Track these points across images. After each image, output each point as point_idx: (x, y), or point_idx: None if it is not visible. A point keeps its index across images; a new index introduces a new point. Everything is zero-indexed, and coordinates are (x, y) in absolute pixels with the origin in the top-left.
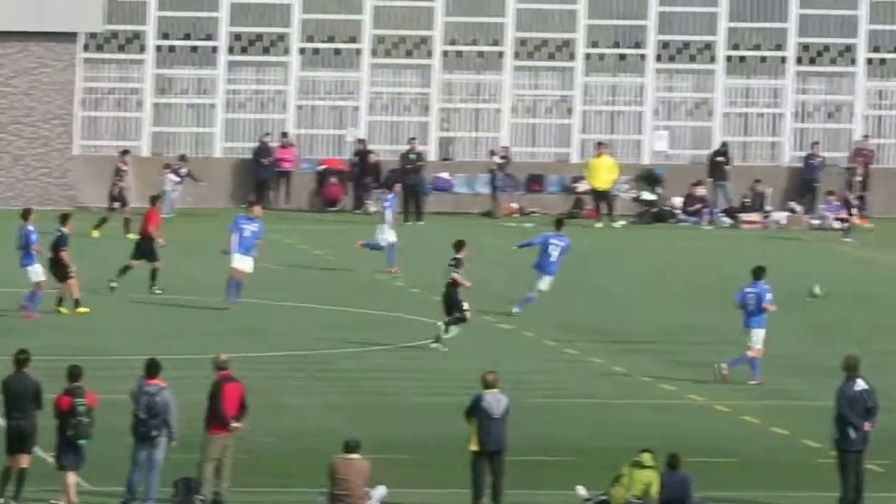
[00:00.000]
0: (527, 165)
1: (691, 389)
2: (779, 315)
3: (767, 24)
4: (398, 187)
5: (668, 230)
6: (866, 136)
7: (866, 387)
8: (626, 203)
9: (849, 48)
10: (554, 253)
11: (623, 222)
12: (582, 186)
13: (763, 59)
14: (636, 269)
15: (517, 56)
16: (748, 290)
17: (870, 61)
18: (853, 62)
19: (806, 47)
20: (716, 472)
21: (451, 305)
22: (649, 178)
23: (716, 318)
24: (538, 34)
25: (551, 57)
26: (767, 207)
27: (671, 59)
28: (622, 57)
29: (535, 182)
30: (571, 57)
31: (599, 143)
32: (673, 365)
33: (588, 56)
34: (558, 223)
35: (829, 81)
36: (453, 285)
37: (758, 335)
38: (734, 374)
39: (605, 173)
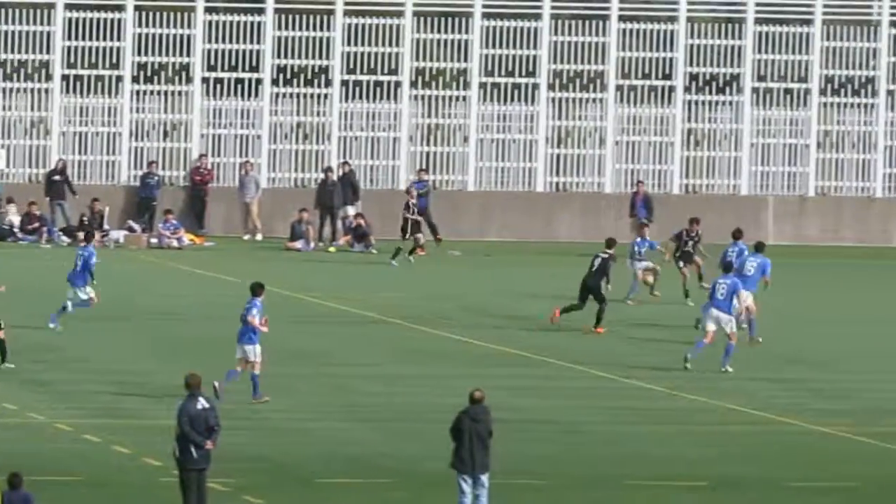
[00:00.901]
0: None
1: (30, 408)
2: (119, 332)
3: (100, 43)
4: None
5: (7, 249)
6: (203, 156)
7: (209, 405)
8: None
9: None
10: (79, 263)
11: None
12: None
13: (99, 77)
14: None
15: None
16: (247, 306)
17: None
18: (190, 81)
19: (143, 66)
20: (60, 491)
21: None
22: None
23: (59, 336)
24: None
25: None
26: (106, 226)
27: (7, 78)
28: None
29: None
30: None
31: None
32: (16, 384)
33: None
34: (87, 236)
35: (165, 100)
36: None
37: (253, 350)
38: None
39: None
